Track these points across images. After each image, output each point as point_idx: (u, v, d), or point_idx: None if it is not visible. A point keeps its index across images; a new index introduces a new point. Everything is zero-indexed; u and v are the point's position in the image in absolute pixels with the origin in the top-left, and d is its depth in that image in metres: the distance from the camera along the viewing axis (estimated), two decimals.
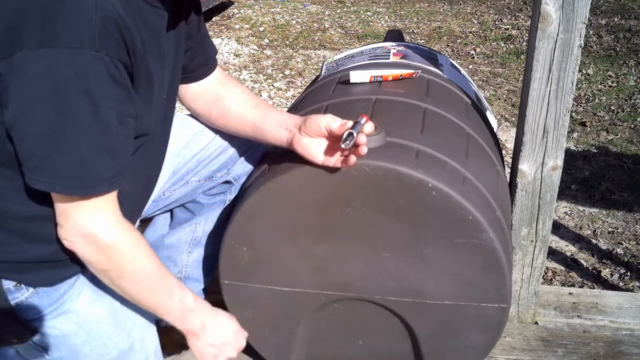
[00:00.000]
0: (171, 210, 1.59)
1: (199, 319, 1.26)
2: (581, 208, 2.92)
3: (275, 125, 1.35)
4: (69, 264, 1.15)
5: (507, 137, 3.59)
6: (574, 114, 3.86)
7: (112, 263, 1.11)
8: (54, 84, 0.96)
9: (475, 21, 5.97)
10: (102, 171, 1.04)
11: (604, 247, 2.63)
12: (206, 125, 1.49)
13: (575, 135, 3.63)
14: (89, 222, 1.07)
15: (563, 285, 2.39)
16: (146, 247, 1.15)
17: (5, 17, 0.97)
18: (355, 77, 1.57)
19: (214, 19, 5.97)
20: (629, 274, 2.46)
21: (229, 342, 1.31)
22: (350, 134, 1.16)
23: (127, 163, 1.09)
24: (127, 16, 1.02)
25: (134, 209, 1.28)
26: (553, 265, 2.51)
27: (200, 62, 1.42)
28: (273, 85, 4.45)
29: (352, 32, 5.73)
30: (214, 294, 1.58)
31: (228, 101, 1.43)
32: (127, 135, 1.08)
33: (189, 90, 1.43)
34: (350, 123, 1.21)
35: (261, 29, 5.75)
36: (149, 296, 1.18)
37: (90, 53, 0.96)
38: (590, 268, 2.51)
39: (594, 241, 2.68)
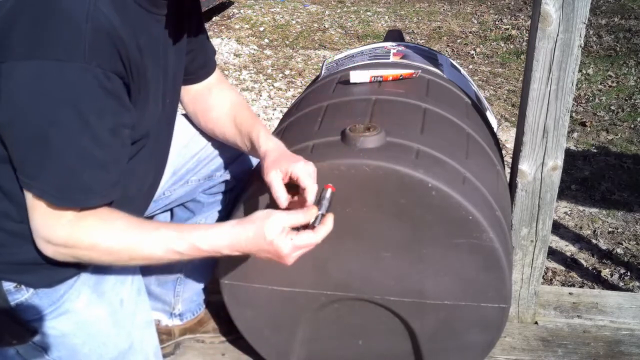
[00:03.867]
0: (171, 210, 1.59)
1: (215, 248, 1.10)
2: (581, 208, 2.91)
3: (250, 152, 1.36)
4: (69, 265, 1.15)
5: (507, 137, 3.59)
6: (574, 114, 3.86)
7: (79, 258, 1.08)
8: (42, 96, 0.96)
9: (475, 21, 5.97)
10: (91, 183, 1.03)
11: (604, 247, 2.63)
12: None
13: (575, 135, 3.63)
14: (46, 227, 1.04)
15: (563, 285, 2.39)
16: (108, 226, 1.06)
17: None
18: (355, 77, 1.57)
19: (214, 19, 5.97)
20: (629, 274, 2.46)
21: (267, 250, 1.10)
22: (319, 215, 1.12)
23: (120, 174, 1.08)
24: (123, 26, 1.02)
25: (137, 210, 1.28)
26: (553, 265, 2.51)
27: (200, 65, 1.43)
28: (273, 85, 4.45)
29: (352, 32, 5.73)
30: (214, 294, 1.58)
31: (215, 113, 1.43)
32: (121, 145, 1.07)
33: (184, 93, 1.44)
34: (312, 195, 1.14)
35: (261, 29, 5.75)
36: (140, 259, 1.10)
37: (80, 65, 0.96)
38: (590, 268, 2.51)
39: (594, 241, 2.68)
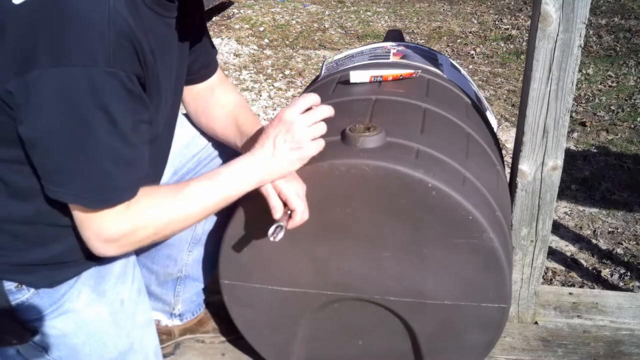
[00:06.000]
0: None
1: (251, 180, 1.18)
2: (581, 208, 2.92)
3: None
4: (71, 265, 1.16)
5: (507, 137, 3.59)
6: (574, 114, 3.86)
7: (141, 240, 1.12)
8: (72, 102, 0.97)
9: (475, 21, 5.97)
10: (123, 182, 1.05)
11: (604, 247, 2.63)
12: None
13: (575, 135, 3.63)
14: (106, 227, 1.07)
15: (563, 285, 2.39)
16: (154, 204, 1.11)
17: (19, 35, 0.97)
18: (355, 77, 1.57)
19: (214, 19, 5.97)
20: (629, 274, 2.46)
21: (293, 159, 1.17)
22: (279, 226, 1.16)
23: (145, 166, 1.10)
24: (137, 28, 1.03)
25: None
26: (553, 265, 2.51)
27: (202, 65, 1.43)
28: (273, 85, 4.45)
29: (352, 32, 5.73)
30: (214, 294, 1.58)
31: (217, 113, 1.44)
32: (143, 142, 1.09)
33: (186, 93, 1.44)
34: (280, 211, 1.19)
35: (261, 29, 5.75)
36: (199, 214, 1.16)
37: (105, 69, 0.97)
38: (590, 268, 2.51)
39: (594, 241, 2.68)
